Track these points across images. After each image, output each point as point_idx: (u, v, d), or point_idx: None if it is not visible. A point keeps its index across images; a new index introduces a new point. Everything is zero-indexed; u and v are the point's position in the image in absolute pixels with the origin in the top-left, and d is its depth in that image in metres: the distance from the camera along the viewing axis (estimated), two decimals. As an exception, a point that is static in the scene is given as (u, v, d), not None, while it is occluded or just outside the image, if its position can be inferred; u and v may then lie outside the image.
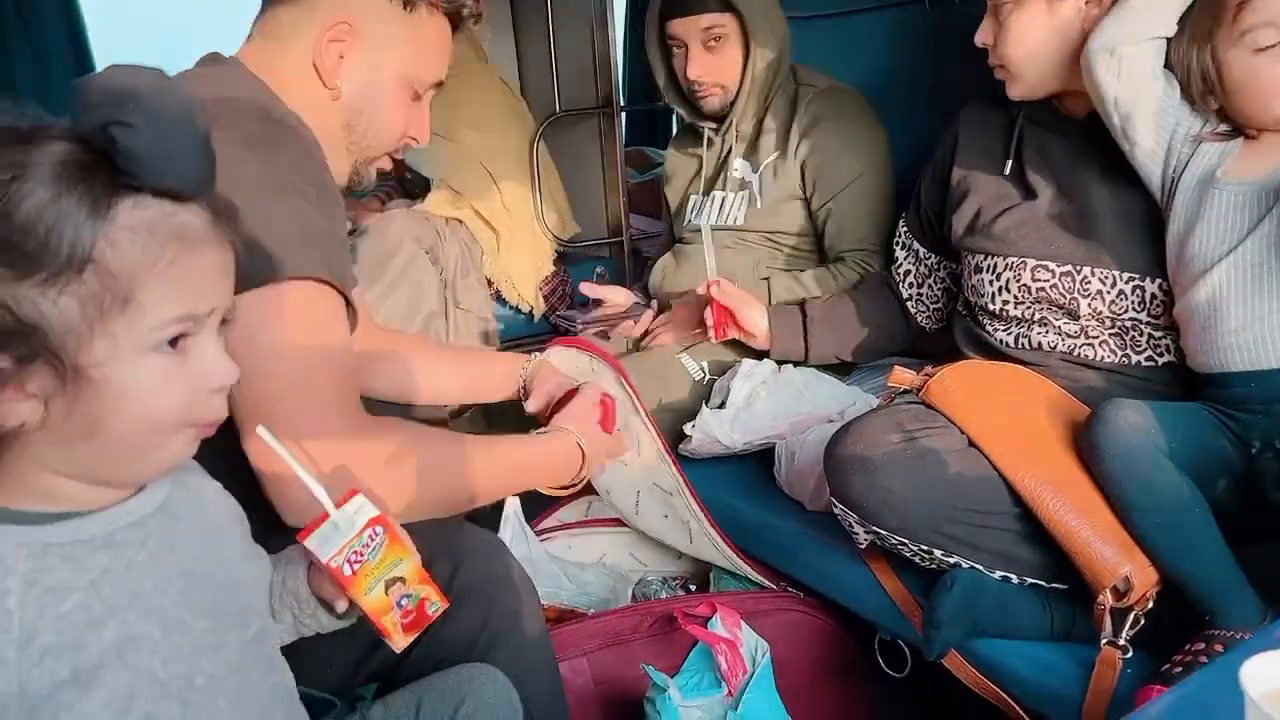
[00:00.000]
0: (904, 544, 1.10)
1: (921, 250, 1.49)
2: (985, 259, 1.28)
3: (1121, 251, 1.17)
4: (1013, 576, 1.09)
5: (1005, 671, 1.08)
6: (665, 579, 1.45)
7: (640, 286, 1.90)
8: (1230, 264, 1.03)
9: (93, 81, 0.57)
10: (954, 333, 1.40)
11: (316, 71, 0.99)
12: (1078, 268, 1.19)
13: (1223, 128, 1.09)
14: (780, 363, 1.57)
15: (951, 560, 1.09)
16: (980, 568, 1.08)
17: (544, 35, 2.35)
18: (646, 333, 1.73)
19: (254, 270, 0.81)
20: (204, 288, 0.60)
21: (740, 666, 1.15)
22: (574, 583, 1.42)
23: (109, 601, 0.58)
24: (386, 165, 1.11)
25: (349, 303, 0.94)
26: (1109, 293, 1.18)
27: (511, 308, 2.25)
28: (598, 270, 2.36)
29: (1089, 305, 1.18)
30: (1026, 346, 1.26)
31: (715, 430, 1.48)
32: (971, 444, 1.10)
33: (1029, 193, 1.26)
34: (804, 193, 1.65)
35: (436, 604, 0.76)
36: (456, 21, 1.07)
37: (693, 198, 1.80)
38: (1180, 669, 0.95)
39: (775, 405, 1.48)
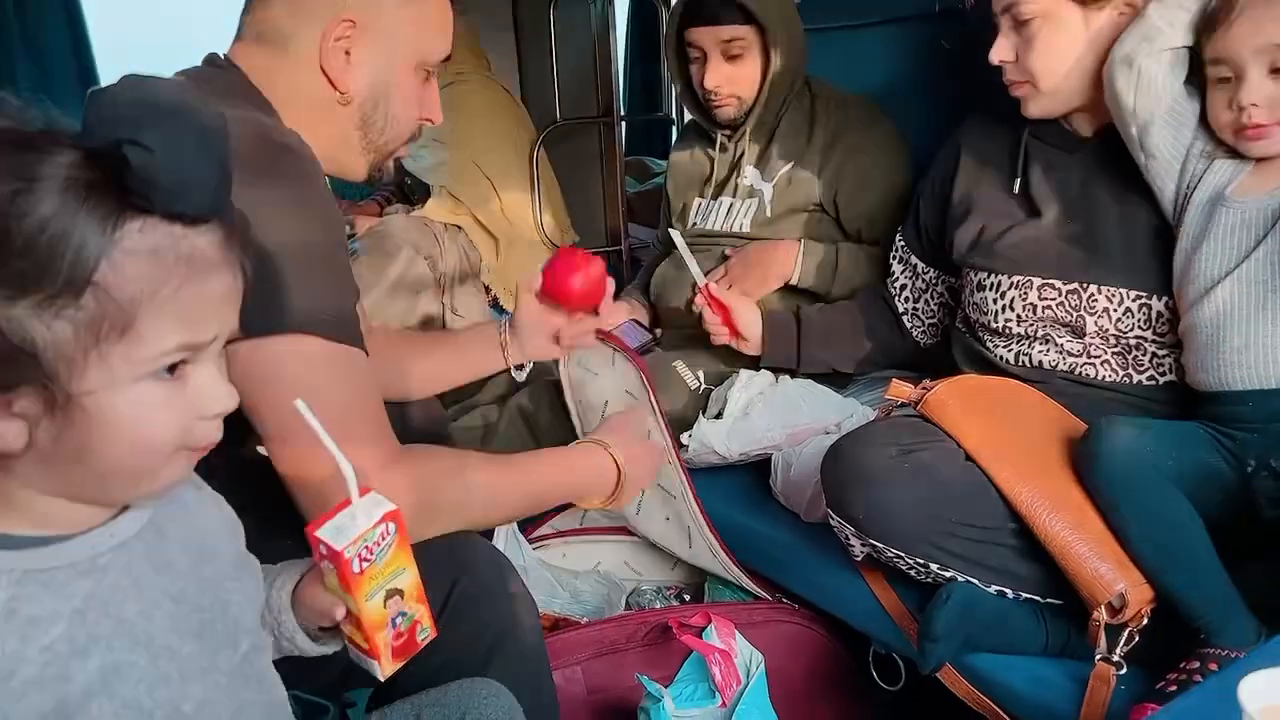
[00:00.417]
0: (900, 557, 1.10)
1: (919, 265, 1.49)
2: (989, 276, 1.28)
3: (1128, 269, 1.17)
4: (1008, 591, 1.09)
5: (1000, 686, 1.07)
6: (660, 588, 1.45)
7: (638, 286, 1.90)
8: (1234, 282, 1.04)
9: (107, 94, 0.53)
10: (953, 350, 1.40)
11: (325, 76, 0.96)
12: (1084, 286, 1.19)
13: None
14: (774, 371, 1.58)
15: (947, 574, 1.09)
16: (976, 582, 1.08)
17: (545, 44, 2.36)
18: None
19: (268, 315, 0.81)
20: (208, 316, 0.57)
21: (734, 677, 1.14)
22: (568, 591, 1.41)
23: (93, 630, 0.56)
24: (404, 154, 1.09)
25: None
26: (1115, 310, 1.18)
27: (509, 315, 2.25)
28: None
29: (1095, 323, 1.19)
30: (1027, 364, 1.26)
31: (712, 440, 1.48)
32: (968, 458, 1.11)
33: (1034, 210, 1.26)
34: (822, 206, 1.66)
35: (427, 631, 0.72)
36: None
37: (698, 201, 1.80)
38: (1175, 687, 0.95)
39: (772, 416, 1.48)
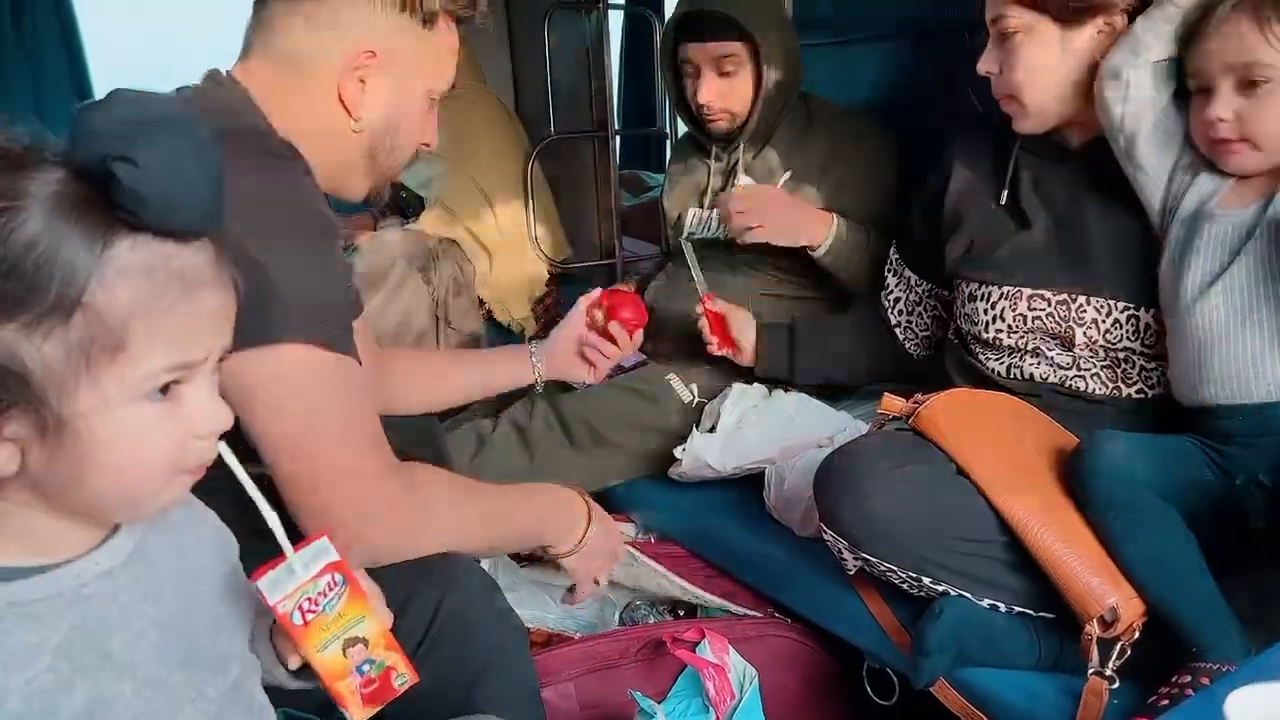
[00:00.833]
0: (892, 571, 1.10)
1: (913, 277, 1.50)
2: (980, 288, 1.29)
3: (1117, 280, 1.18)
4: (1001, 605, 1.09)
5: (993, 700, 1.07)
6: (654, 603, 1.44)
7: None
8: (1215, 297, 1.04)
9: (96, 110, 0.52)
10: (945, 361, 1.40)
11: (341, 103, 0.96)
12: (1073, 296, 1.20)
13: None
14: (768, 383, 1.58)
15: (940, 588, 1.09)
16: (968, 596, 1.09)
17: (540, 58, 2.37)
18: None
19: (265, 326, 0.81)
20: (200, 334, 0.56)
21: (728, 692, 1.14)
22: (561, 607, 1.41)
23: (78, 663, 0.55)
24: (399, 177, 1.12)
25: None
26: (1104, 322, 1.19)
27: (503, 328, 2.26)
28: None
29: (1084, 334, 1.19)
30: (1018, 377, 1.27)
31: (705, 454, 1.48)
32: (960, 472, 1.11)
33: (1024, 222, 1.27)
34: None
35: (404, 677, 0.69)
36: (465, 23, 1.06)
37: (693, 211, 1.81)
38: (1166, 701, 0.95)
39: (765, 430, 1.49)
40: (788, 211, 1.59)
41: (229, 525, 0.72)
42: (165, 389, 0.55)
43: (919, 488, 1.08)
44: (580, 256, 2.45)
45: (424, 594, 0.87)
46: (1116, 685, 1.00)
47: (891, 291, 1.54)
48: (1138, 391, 1.20)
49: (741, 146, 1.69)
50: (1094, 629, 1.00)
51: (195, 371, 0.57)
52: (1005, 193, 1.29)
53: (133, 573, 0.60)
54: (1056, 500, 1.07)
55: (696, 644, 1.18)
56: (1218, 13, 1.03)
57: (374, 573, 0.74)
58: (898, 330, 1.54)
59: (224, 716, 0.64)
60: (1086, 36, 1.17)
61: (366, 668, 0.67)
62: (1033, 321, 1.22)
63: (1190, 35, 1.07)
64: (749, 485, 1.49)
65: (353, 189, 1.04)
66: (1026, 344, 1.24)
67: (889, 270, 1.54)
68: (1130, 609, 1.00)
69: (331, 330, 0.87)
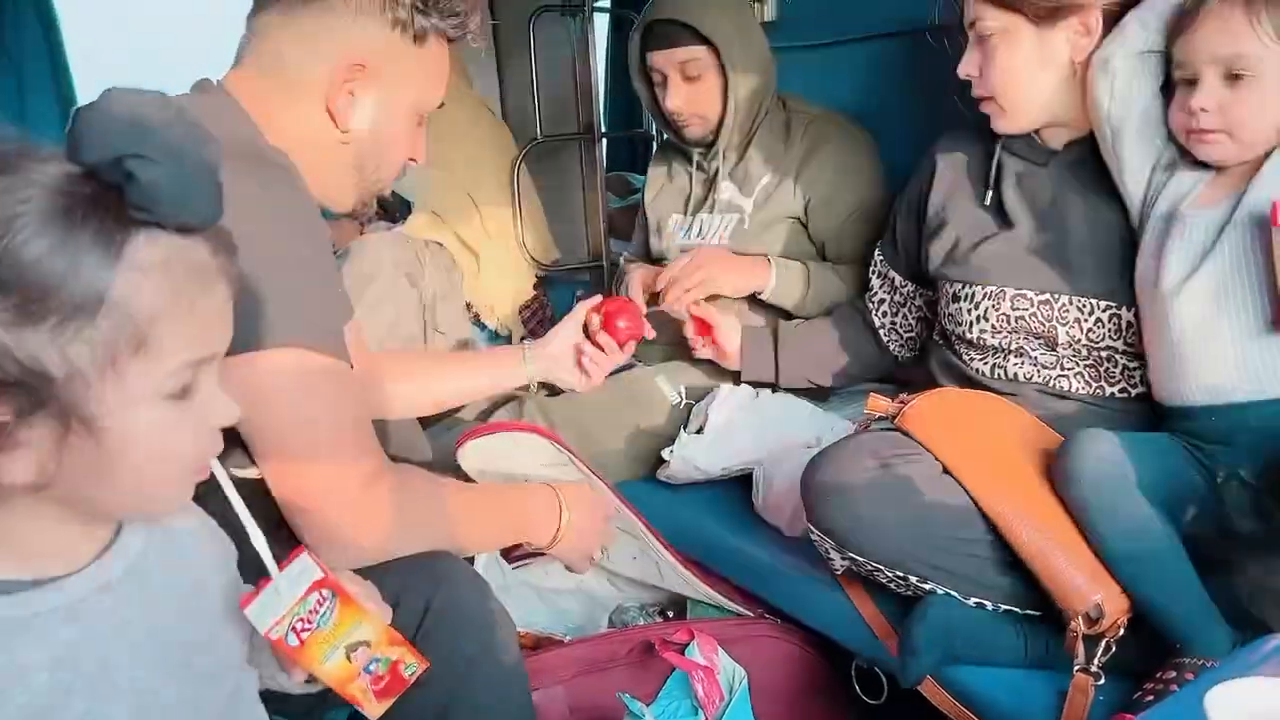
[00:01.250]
0: (879, 570, 1.11)
1: (897, 278, 1.50)
2: (964, 288, 1.29)
3: (1099, 279, 1.19)
4: (987, 603, 1.10)
5: (980, 698, 1.08)
6: (643, 605, 1.44)
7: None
8: (1187, 297, 1.05)
9: (98, 111, 0.52)
10: (929, 362, 1.41)
11: (329, 114, 0.97)
12: (1056, 296, 1.21)
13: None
14: (754, 385, 1.58)
15: (927, 587, 1.09)
16: (955, 594, 1.09)
17: (526, 61, 2.37)
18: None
19: (260, 329, 0.81)
20: (215, 328, 0.58)
21: (717, 693, 1.14)
22: (550, 609, 1.41)
23: (75, 678, 0.55)
24: (387, 192, 1.12)
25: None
26: (1086, 320, 1.19)
27: (491, 331, 2.25)
28: (578, 294, 2.36)
29: (1067, 333, 1.20)
30: (1002, 377, 1.27)
31: (693, 455, 1.49)
32: (946, 471, 1.12)
33: (1007, 222, 1.28)
34: (801, 217, 1.67)
35: (413, 666, 0.71)
36: (456, 42, 1.07)
37: (674, 217, 1.81)
38: (1151, 697, 0.96)
39: (753, 431, 1.49)
40: (729, 268, 1.63)
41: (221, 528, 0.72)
42: (183, 385, 0.56)
43: (905, 487, 1.09)
44: (568, 259, 2.45)
45: (413, 593, 0.88)
46: (1102, 681, 1.00)
47: (875, 293, 1.54)
48: (1120, 391, 1.21)
49: (722, 153, 1.70)
50: (1079, 626, 1.01)
51: (207, 365, 0.57)
52: (990, 193, 1.30)
53: (131, 586, 0.60)
54: (1041, 498, 1.07)
55: (685, 646, 1.18)
56: (1208, 3, 1.04)
57: (362, 573, 0.75)
58: (881, 332, 1.55)
59: None
60: (1062, 37, 1.19)
61: (374, 666, 0.68)
62: (1016, 321, 1.23)
63: (1178, 24, 1.07)
64: (737, 486, 1.50)
65: (339, 200, 1.05)
66: (1010, 344, 1.25)
67: (873, 272, 1.55)
68: (1115, 605, 1.01)
69: (323, 333, 0.88)
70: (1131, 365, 1.19)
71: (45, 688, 0.53)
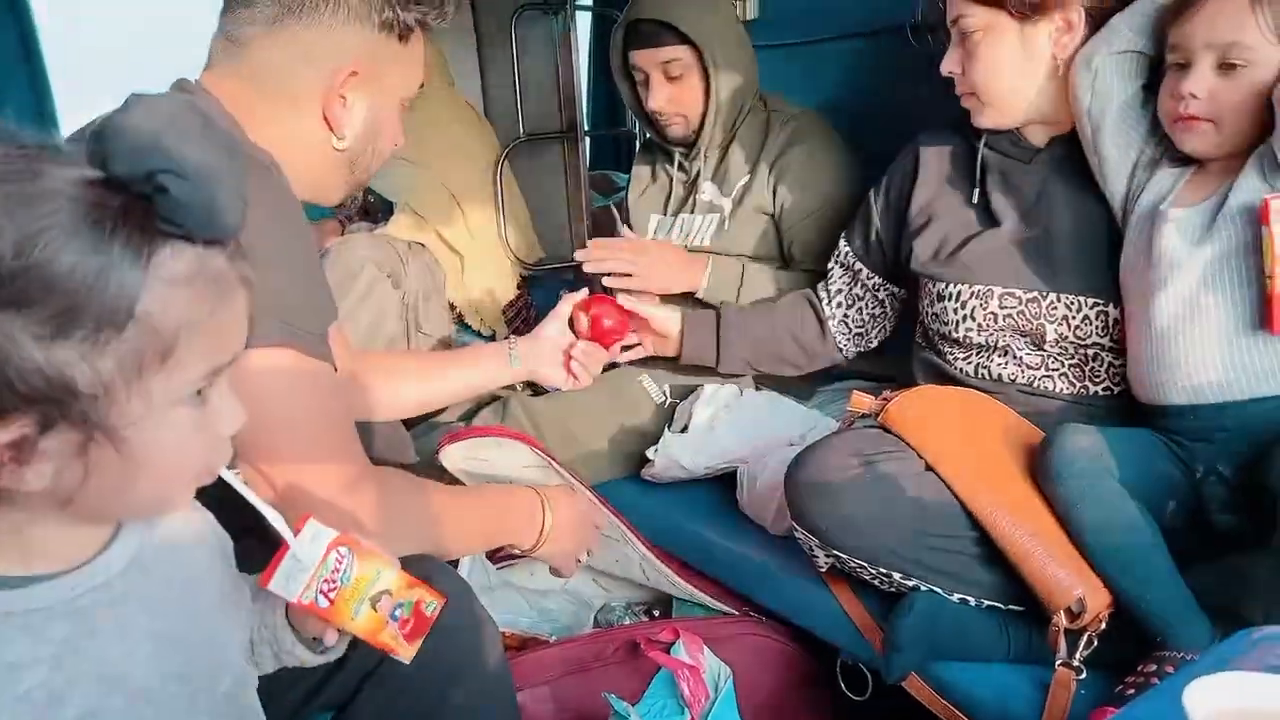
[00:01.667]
0: (863, 567, 1.11)
1: (864, 272, 1.49)
2: (949, 287, 1.29)
3: (1086, 276, 1.19)
4: (970, 599, 1.10)
5: (964, 694, 1.08)
6: (629, 605, 1.44)
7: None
8: (1167, 297, 1.06)
9: (125, 124, 0.52)
10: (912, 364, 1.41)
11: (326, 121, 0.98)
12: (1043, 293, 1.21)
13: (1181, 153, 1.11)
14: (723, 378, 1.58)
15: (910, 583, 1.10)
16: (939, 590, 1.10)
17: (508, 60, 2.36)
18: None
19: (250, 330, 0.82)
20: (233, 336, 0.58)
21: (703, 692, 1.15)
22: (535, 609, 1.41)
23: (71, 674, 0.55)
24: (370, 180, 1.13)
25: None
26: (1074, 317, 1.20)
27: (474, 331, 2.25)
28: (562, 293, 2.35)
29: (1055, 330, 1.20)
30: (986, 376, 1.28)
31: (677, 455, 1.49)
32: (929, 468, 1.12)
33: (992, 220, 1.28)
34: (773, 213, 1.67)
35: (433, 604, 0.73)
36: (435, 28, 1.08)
37: (654, 217, 1.81)
38: (1133, 690, 0.96)
39: (737, 429, 1.49)
40: (664, 261, 1.64)
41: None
42: (199, 391, 0.57)
43: (888, 484, 1.09)
44: (551, 258, 2.45)
45: None
46: (1084, 676, 1.01)
47: (834, 283, 1.53)
48: (1104, 389, 1.22)
49: (703, 153, 1.70)
50: (1061, 620, 1.01)
51: (222, 372, 0.58)
52: (976, 191, 1.30)
53: (129, 584, 0.61)
54: (1024, 494, 1.08)
55: (671, 645, 1.18)
56: None
57: None
58: (831, 323, 1.53)
59: None
60: (1044, 34, 1.19)
61: (399, 612, 0.70)
62: (1003, 320, 1.23)
63: (1177, 8, 1.07)
64: (721, 485, 1.50)
65: (330, 196, 1.07)
66: (996, 341, 1.25)
67: (835, 262, 1.53)
68: (1096, 600, 1.01)
69: (305, 334, 0.88)
70: (1117, 363, 1.20)
71: (43, 684, 0.54)
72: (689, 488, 1.52)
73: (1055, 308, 1.20)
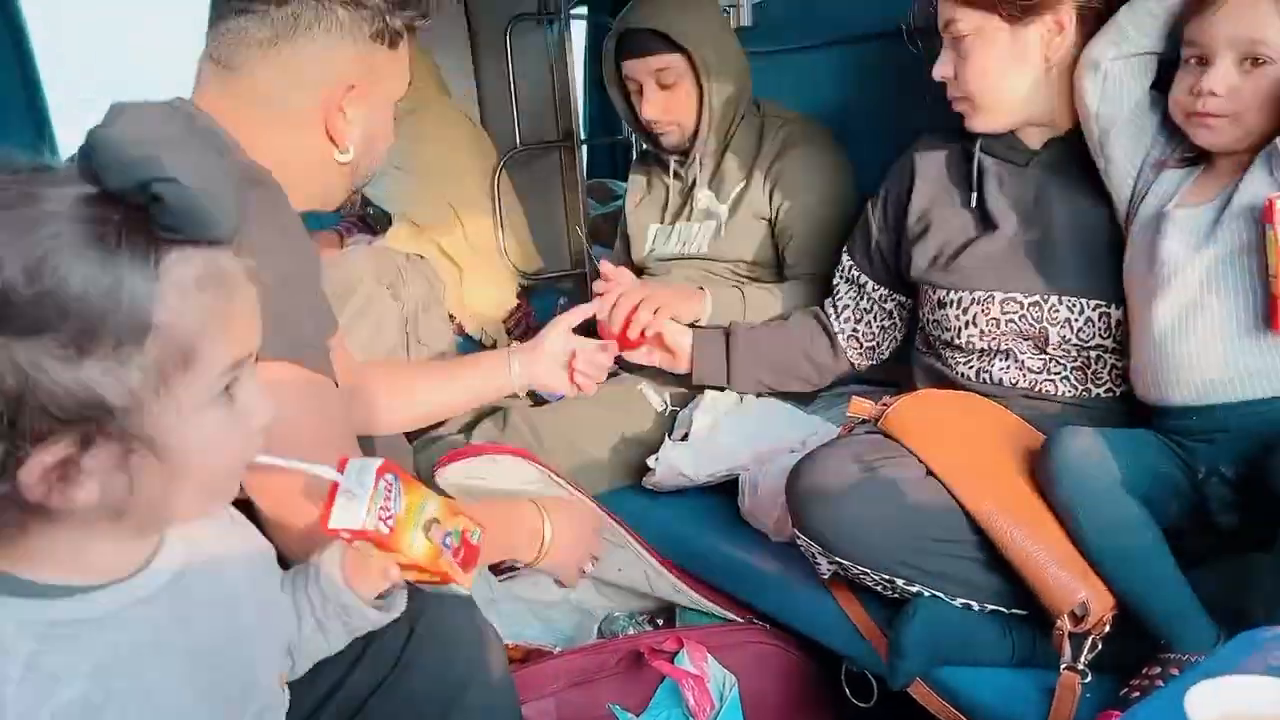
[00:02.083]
0: (866, 573, 1.11)
1: (869, 284, 1.48)
2: (950, 293, 1.28)
3: (1087, 278, 1.19)
4: (974, 604, 1.10)
5: (969, 699, 1.08)
6: (632, 615, 1.44)
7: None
8: (1170, 297, 1.06)
9: (113, 135, 0.52)
10: (913, 371, 1.40)
11: (328, 137, 0.99)
12: (1045, 297, 1.21)
13: (1188, 154, 1.10)
14: (711, 388, 1.57)
15: (913, 589, 1.10)
16: (942, 596, 1.09)
17: (503, 70, 2.37)
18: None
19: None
20: (248, 329, 0.60)
21: (708, 701, 1.15)
22: (539, 620, 1.41)
23: (108, 688, 0.56)
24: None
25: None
26: (1077, 320, 1.19)
27: (475, 342, 2.25)
28: (560, 302, 2.36)
29: (1058, 334, 1.20)
30: (988, 381, 1.27)
31: (678, 462, 1.49)
32: (930, 473, 1.12)
33: (991, 225, 1.27)
34: (769, 218, 1.67)
35: (477, 532, 0.74)
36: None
37: (652, 226, 1.81)
38: (1137, 693, 0.96)
39: (737, 437, 1.49)
40: (671, 294, 1.60)
41: None
42: (226, 389, 0.58)
43: (889, 490, 1.09)
44: (550, 267, 2.45)
45: (398, 617, 0.87)
46: (1089, 679, 1.01)
47: (841, 299, 1.52)
48: (1106, 391, 1.22)
49: (699, 161, 1.70)
50: (1065, 624, 1.01)
51: (244, 368, 0.59)
52: (975, 195, 1.30)
53: (170, 600, 0.61)
54: (1025, 497, 1.08)
55: (675, 654, 1.18)
56: None
57: None
58: (840, 338, 1.52)
59: None
60: (1036, 35, 1.19)
61: (449, 540, 0.71)
62: (1006, 325, 1.23)
63: (1198, 4, 1.05)
64: (723, 492, 1.50)
65: (331, 201, 1.08)
66: (998, 346, 1.25)
67: (840, 277, 1.52)
68: (1100, 603, 1.01)
69: (304, 348, 0.88)
70: (1120, 365, 1.20)
71: (80, 696, 0.54)
72: (691, 496, 1.52)
73: (1057, 310, 1.20)
